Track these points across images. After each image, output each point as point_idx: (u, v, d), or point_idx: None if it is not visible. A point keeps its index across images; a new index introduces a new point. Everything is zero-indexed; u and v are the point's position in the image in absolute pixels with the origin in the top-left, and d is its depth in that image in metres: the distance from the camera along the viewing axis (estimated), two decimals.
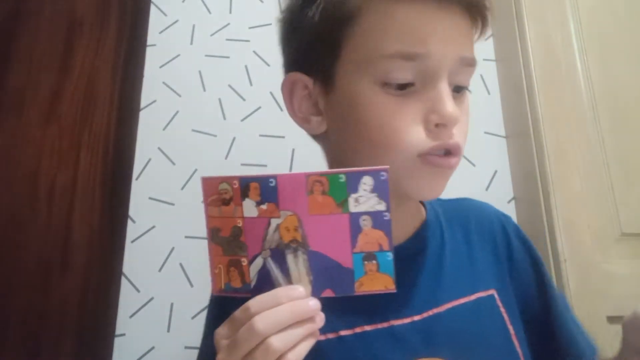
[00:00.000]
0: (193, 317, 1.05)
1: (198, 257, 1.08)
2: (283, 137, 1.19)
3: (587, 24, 1.20)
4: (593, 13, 1.21)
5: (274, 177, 0.41)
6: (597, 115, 1.14)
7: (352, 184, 0.41)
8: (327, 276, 0.42)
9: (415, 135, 0.50)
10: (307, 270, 0.42)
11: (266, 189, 0.41)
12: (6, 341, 1.06)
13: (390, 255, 0.41)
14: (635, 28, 1.21)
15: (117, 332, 1.04)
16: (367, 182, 0.41)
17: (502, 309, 0.59)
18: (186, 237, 1.09)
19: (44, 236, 1.12)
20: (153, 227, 1.11)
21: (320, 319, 0.42)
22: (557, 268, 1.01)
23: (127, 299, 1.06)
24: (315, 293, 0.42)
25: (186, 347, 1.02)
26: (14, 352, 1.06)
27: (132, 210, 1.12)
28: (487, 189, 1.18)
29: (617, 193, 1.09)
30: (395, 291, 0.42)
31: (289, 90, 0.59)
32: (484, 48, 1.30)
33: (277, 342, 0.39)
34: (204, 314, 0.63)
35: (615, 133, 1.13)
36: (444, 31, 0.51)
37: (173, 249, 1.09)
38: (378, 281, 0.41)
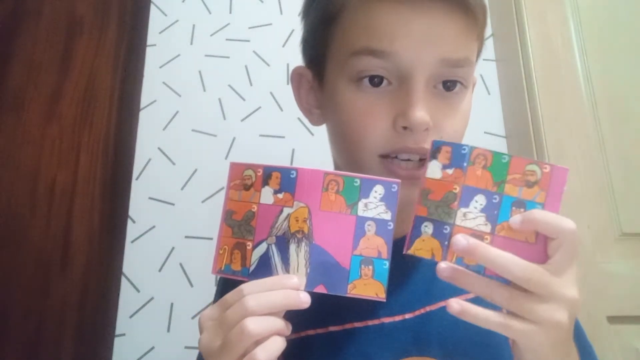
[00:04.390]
0: (193, 317, 1.05)
1: (198, 257, 1.08)
2: (283, 137, 1.19)
3: (587, 24, 1.20)
4: (593, 13, 1.21)
5: (296, 169, 0.43)
6: (597, 115, 1.14)
7: (365, 189, 0.43)
8: (323, 272, 0.43)
9: (379, 135, 0.50)
10: (306, 263, 0.43)
11: (286, 180, 0.43)
12: (6, 341, 1.06)
13: (386, 264, 0.43)
14: (635, 28, 1.21)
15: (117, 332, 1.04)
16: (378, 190, 0.43)
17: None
18: (186, 237, 1.09)
19: (43, 236, 1.12)
20: (153, 227, 1.11)
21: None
22: None
23: (127, 299, 1.07)
24: (308, 286, 0.42)
25: (186, 347, 1.02)
26: (14, 352, 1.06)
27: (132, 210, 1.12)
28: None
29: (617, 193, 1.09)
30: (384, 300, 0.42)
31: (296, 81, 0.62)
32: (483, 48, 1.30)
33: (252, 324, 0.39)
34: None
35: (615, 133, 1.13)
36: (420, 32, 0.50)
37: (173, 249, 1.09)
38: (370, 287, 0.42)
